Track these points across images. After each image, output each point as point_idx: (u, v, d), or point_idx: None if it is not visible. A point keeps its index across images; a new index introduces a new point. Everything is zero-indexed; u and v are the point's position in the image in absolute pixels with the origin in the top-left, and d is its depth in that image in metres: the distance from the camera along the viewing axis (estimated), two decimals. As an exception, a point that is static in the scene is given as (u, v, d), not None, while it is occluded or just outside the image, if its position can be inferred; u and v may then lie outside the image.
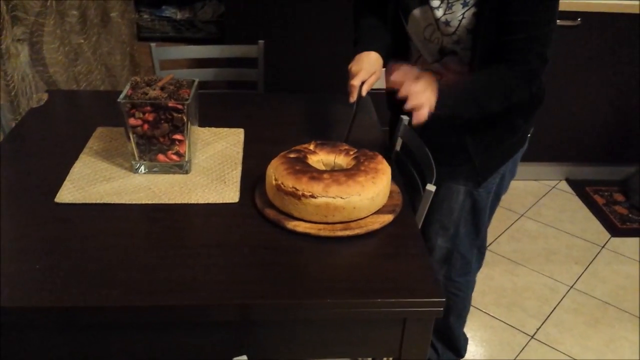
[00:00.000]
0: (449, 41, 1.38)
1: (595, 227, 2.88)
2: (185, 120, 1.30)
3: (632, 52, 2.89)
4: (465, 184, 1.55)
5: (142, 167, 1.36)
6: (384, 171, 1.24)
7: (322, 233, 1.17)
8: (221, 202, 1.28)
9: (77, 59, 2.05)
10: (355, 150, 1.32)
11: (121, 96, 1.29)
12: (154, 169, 1.37)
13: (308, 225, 1.18)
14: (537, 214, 2.97)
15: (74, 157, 1.42)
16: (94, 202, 1.25)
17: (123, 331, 1.05)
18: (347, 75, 1.37)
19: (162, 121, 1.30)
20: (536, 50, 1.31)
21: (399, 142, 1.59)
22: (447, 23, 1.35)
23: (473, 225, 1.63)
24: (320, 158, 1.31)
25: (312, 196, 1.16)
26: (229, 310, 1.02)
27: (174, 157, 1.35)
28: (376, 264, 1.12)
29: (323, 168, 1.31)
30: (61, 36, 1.86)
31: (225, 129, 1.60)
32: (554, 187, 3.23)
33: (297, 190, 1.16)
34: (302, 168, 1.20)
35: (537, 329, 2.23)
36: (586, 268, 2.58)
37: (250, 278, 1.07)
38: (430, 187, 1.30)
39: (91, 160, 1.40)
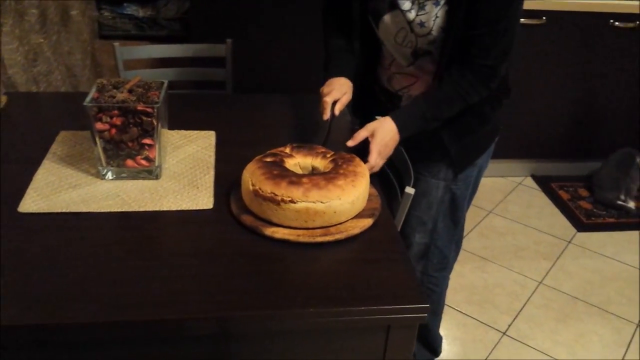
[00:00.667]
0: (424, 42, 1.38)
1: (561, 223, 2.93)
2: (156, 124, 1.25)
3: (595, 50, 2.94)
4: (444, 178, 1.55)
5: (110, 173, 1.31)
6: (362, 174, 1.22)
7: (302, 239, 1.14)
8: (195, 208, 1.23)
9: (37, 59, 1.97)
10: (332, 153, 1.29)
11: (87, 99, 1.23)
12: (122, 175, 1.31)
13: (287, 231, 1.15)
14: (504, 211, 3.00)
15: (37, 164, 1.35)
16: (60, 211, 1.19)
17: (98, 349, 1.00)
18: (318, 98, 1.41)
19: (131, 125, 1.25)
20: (499, 46, 1.33)
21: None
22: (422, 24, 1.35)
23: (451, 220, 1.63)
24: (297, 161, 1.28)
25: (292, 201, 1.12)
26: (208, 323, 0.98)
27: (144, 162, 1.30)
28: (358, 270, 1.10)
29: (300, 172, 1.28)
30: (20, 36, 1.78)
31: (196, 132, 1.55)
32: (520, 183, 3.27)
33: (276, 195, 1.13)
34: (280, 172, 1.17)
35: (509, 325, 2.25)
36: (554, 263, 2.62)
37: (229, 288, 1.03)
38: (409, 190, 1.28)
39: (55, 167, 1.34)
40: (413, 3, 1.34)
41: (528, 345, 2.15)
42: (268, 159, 1.23)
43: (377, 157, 1.32)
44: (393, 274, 1.09)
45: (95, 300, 0.98)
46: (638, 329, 2.26)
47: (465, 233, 2.77)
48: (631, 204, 3.03)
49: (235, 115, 1.71)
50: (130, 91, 1.28)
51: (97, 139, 1.25)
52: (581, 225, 2.90)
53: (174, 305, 0.98)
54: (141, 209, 1.22)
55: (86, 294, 0.99)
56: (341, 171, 1.20)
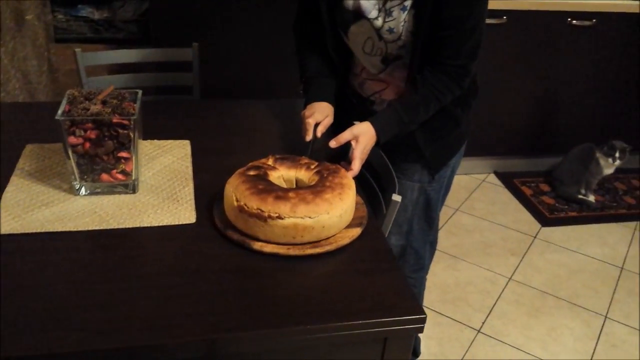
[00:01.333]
0: (394, 47, 1.39)
1: (526, 218, 2.98)
2: (132, 136, 1.20)
3: (554, 48, 3.01)
4: (418, 180, 1.57)
5: (84, 189, 1.25)
6: (349, 186, 1.19)
7: (291, 252, 1.11)
8: (177, 223, 1.19)
9: (-8, 67, 1.87)
10: (316, 164, 1.27)
11: (59, 113, 1.17)
12: (97, 190, 1.26)
13: (276, 245, 1.12)
14: (470, 208, 3.04)
15: (4, 181, 1.28)
16: (34, 231, 1.13)
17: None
18: (300, 121, 1.40)
19: (106, 138, 1.19)
20: (468, 45, 1.35)
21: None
22: (390, 30, 1.36)
23: (426, 221, 1.64)
24: (280, 174, 1.25)
25: (279, 217, 1.09)
26: (199, 347, 0.94)
27: (120, 176, 1.25)
28: (351, 282, 1.08)
29: (284, 185, 1.25)
30: (-26, 43, 1.68)
31: (170, 141, 1.50)
32: (483, 180, 3.32)
33: (262, 211, 1.10)
34: (265, 187, 1.14)
35: (483, 323, 2.27)
36: (522, 259, 2.66)
37: (219, 308, 0.99)
38: (396, 198, 1.27)
39: (25, 183, 1.27)
40: (379, 11, 1.35)
41: (503, 342, 2.18)
42: (251, 173, 1.20)
43: (360, 164, 1.30)
44: (387, 284, 1.07)
45: (79, 327, 0.93)
46: (606, 320, 2.32)
47: (434, 232, 2.79)
48: (591, 198, 3.11)
49: (208, 122, 1.66)
50: (103, 102, 1.23)
51: (70, 153, 1.19)
52: (545, 220, 2.96)
53: (163, 329, 0.94)
54: (120, 226, 1.16)
55: (69, 321, 0.94)
56: (327, 184, 1.17)
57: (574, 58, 3.06)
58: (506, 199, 3.15)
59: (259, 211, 1.10)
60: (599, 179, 3.09)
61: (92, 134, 1.18)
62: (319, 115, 1.39)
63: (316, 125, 1.37)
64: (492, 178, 3.34)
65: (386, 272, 1.11)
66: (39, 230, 1.13)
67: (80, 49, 1.91)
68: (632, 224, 2.99)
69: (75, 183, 1.24)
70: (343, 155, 1.33)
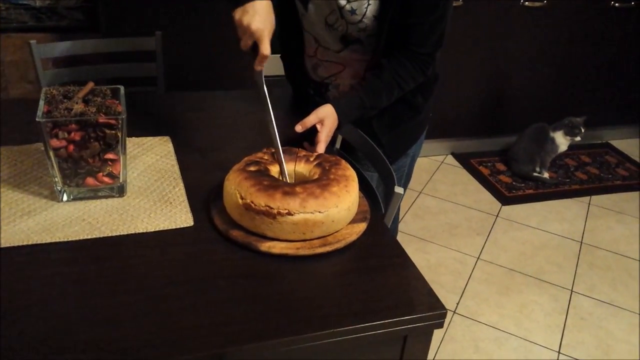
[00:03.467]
0: (354, 29, 1.36)
1: (486, 198, 3.04)
2: (120, 136, 1.12)
3: (508, 29, 3.06)
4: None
5: (68, 194, 1.16)
6: (353, 177, 1.16)
7: (301, 252, 1.07)
8: (174, 227, 1.12)
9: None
10: (315, 155, 1.23)
11: (39, 114, 1.08)
12: (82, 195, 1.17)
13: (284, 245, 1.07)
14: (433, 190, 3.07)
15: (-25, 189, 1.17)
16: (20, 244, 1.03)
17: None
18: (237, 28, 1.18)
19: (92, 140, 1.11)
20: (436, 33, 1.34)
21: (339, 139, 1.52)
22: (352, 11, 1.32)
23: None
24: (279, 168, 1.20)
25: (289, 213, 1.05)
26: None
27: (106, 179, 1.16)
28: (365, 280, 1.04)
29: (285, 179, 1.20)
30: None
31: (149, 138, 1.42)
32: (442, 162, 3.36)
33: (271, 208, 1.05)
34: (271, 183, 1.09)
35: (457, 304, 2.31)
36: (487, 238, 2.72)
37: (231, 317, 0.93)
38: (399, 190, 1.24)
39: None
40: None
41: (478, 321, 2.22)
42: (252, 168, 1.15)
43: (325, 147, 1.28)
44: (402, 280, 1.05)
45: (82, 348, 0.85)
46: (572, 294, 2.40)
47: (400, 216, 2.81)
48: (546, 175, 3.21)
49: (184, 116, 1.58)
50: (85, 101, 1.14)
51: (52, 157, 1.10)
52: (504, 199, 3.03)
53: (175, 343, 0.88)
54: (114, 234, 1.09)
55: (71, 341, 0.86)
56: (332, 176, 1.14)
57: (526, 39, 3.13)
58: (466, 179, 3.20)
59: (268, 208, 1.05)
60: (554, 156, 3.19)
61: (77, 136, 1.09)
62: (261, 24, 1.15)
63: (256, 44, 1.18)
64: (450, 159, 3.39)
65: (400, 268, 1.08)
66: (24, 243, 1.04)
67: (35, 40, 1.77)
68: (586, 198, 3.11)
69: (58, 189, 1.14)
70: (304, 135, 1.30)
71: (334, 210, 1.08)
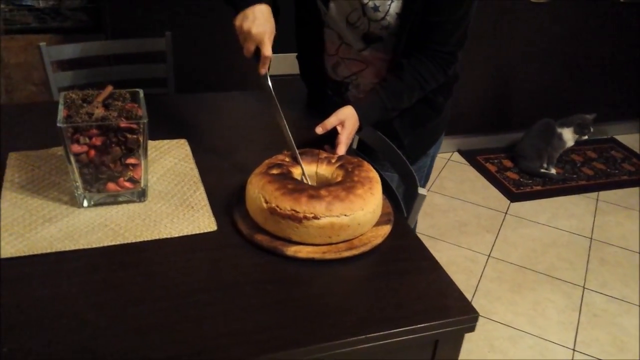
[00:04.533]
0: (376, 27, 1.34)
1: (494, 195, 3.03)
2: (142, 141, 1.10)
3: (512, 26, 3.04)
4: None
5: (88, 200, 1.14)
6: (376, 179, 1.15)
7: (328, 256, 1.05)
8: (197, 232, 1.11)
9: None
10: (336, 157, 1.21)
11: (59, 119, 1.06)
12: (102, 201, 1.15)
13: (310, 249, 1.06)
14: (441, 188, 3.06)
15: (-6, 196, 1.15)
16: (44, 251, 1.02)
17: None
18: (237, 34, 1.19)
19: (113, 145, 1.09)
20: (459, 32, 1.33)
21: (356, 139, 1.51)
22: (375, 8, 1.30)
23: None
24: (301, 170, 1.19)
25: (315, 217, 1.03)
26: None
27: (128, 184, 1.15)
28: (395, 285, 1.03)
29: (307, 182, 1.19)
30: None
31: (166, 141, 1.41)
32: (449, 159, 3.35)
33: (296, 212, 1.03)
34: (295, 186, 1.07)
35: (470, 302, 2.29)
36: (497, 236, 2.71)
37: (264, 324, 0.92)
38: (422, 191, 1.23)
39: (19, 197, 1.15)
40: None
41: (492, 320, 2.21)
42: (275, 172, 1.13)
43: (345, 149, 1.27)
44: (432, 284, 1.04)
45: (115, 358, 0.84)
46: (585, 291, 2.39)
47: (410, 214, 2.79)
48: (553, 171, 3.20)
49: (197, 117, 1.57)
50: (105, 105, 1.12)
51: (73, 162, 1.08)
52: (512, 196, 3.02)
53: (206, 352, 0.86)
54: (138, 240, 1.07)
55: (103, 352, 0.85)
56: (356, 179, 1.12)
57: (531, 35, 3.11)
58: (473, 176, 3.19)
59: (293, 212, 1.03)
60: (561, 152, 3.18)
61: (98, 141, 1.08)
62: (261, 28, 1.16)
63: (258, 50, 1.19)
64: (457, 156, 3.37)
65: (428, 271, 1.07)
66: (47, 251, 1.02)
67: (45, 43, 1.75)
68: (594, 194, 3.10)
69: (79, 194, 1.13)
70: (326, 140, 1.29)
71: (359, 213, 1.06)
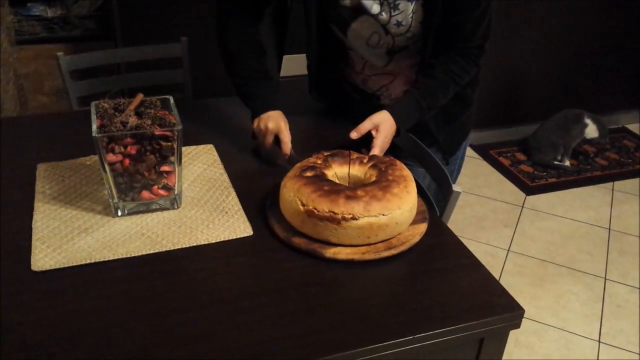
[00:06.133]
0: (402, 40, 1.34)
1: (510, 188, 3.02)
2: (176, 148, 1.10)
3: (522, 19, 3.03)
4: None
5: (122, 209, 1.14)
6: (410, 178, 1.14)
7: (367, 257, 1.05)
8: (234, 237, 1.10)
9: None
10: (368, 157, 1.21)
11: (94, 129, 1.05)
12: (135, 209, 1.15)
13: (349, 250, 1.06)
14: (456, 183, 3.04)
15: (27, 208, 1.15)
16: (82, 262, 1.01)
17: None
18: (256, 134, 1.37)
19: (148, 153, 1.09)
20: (482, 26, 1.32)
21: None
22: (399, 24, 1.31)
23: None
24: (334, 172, 1.18)
25: (354, 218, 1.03)
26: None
27: (162, 192, 1.14)
28: (437, 283, 1.03)
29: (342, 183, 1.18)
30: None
31: (193, 147, 1.40)
32: (461, 154, 3.33)
33: (335, 214, 1.03)
34: (332, 188, 1.07)
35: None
36: (515, 229, 2.70)
37: (312, 327, 0.92)
38: (457, 188, 1.22)
39: (52, 209, 1.15)
40: (382, 5, 1.29)
41: (516, 315, 2.20)
42: (309, 174, 1.12)
43: (380, 153, 1.26)
44: (474, 281, 1.03)
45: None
46: (606, 282, 2.39)
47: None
48: (567, 163, 3.19)
49: (219, 123, 1.56)
50: (138, 113, 1.12)
51: (108, 171, 1.08)
52: (528, 189, 3.01)
53: (264, 358, 0.86)
54: (175, 247, 1.07)
55: (156, 361, 0.85)
56: (390, 178, 1.12)
57: (542, 26, 3.10)
58: (487, 170, 3.18)
59: (332, 214, 1.03)
60: (578, 141, 3.16)
61: (132, 150, 1.07)
62: (283, 125, 1.32)
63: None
64: (469, 151, 3.36)
65: (469, 268, 1.07)
66: (87, 262, 1.02)
67: (62, 52, 1.75)
68: (609, 184, 3.09)
69: (113, 203, 1.12)
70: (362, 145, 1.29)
71: (397, 212, 1.06)
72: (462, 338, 0.96)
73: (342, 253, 1.05)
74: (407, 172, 1.15)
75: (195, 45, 2.40)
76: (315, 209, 1.04)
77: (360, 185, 1.10)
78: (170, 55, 1.92)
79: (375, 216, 1.04)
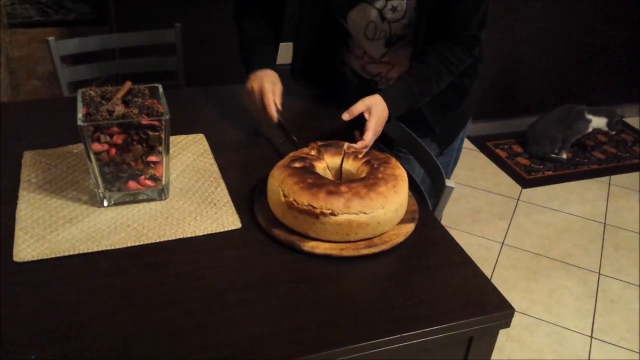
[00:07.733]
0: (398, 27, 1.34)
1: (506, 181, 3.00)
2: (164, 138, 1.07)
3: (520, 11, 3.00)
4: None
5: (108, 199, 1.12)
6: (402, 177, 1.12)
7: (346, 253, 1.03)
8: (222, 230, 1.08)
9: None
10: (364, 152, 1.18)
11: (79, 117, 1.03)
12: (122, 200, 1.13)
13: (328, 245, 1.03)
14: (452, 175, 3.02)
15: (11, 197, 1.13)
16: (66, 254, 0.99)
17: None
18: (248, 95, 1.38)
19: (135, 142, 1.06)
20: (478, 14, 1.31)
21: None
22: (394, 9, 1.30)
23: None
24: (325, 164, 1.16)
25: (332, 214, 1.01)
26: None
27: (149, 182, 1.12)
28: (426, 281, 1.01)
29: (330, 175, 1.16)
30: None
31: (183, 136, 1.38)
32: (458, 145, 3.31)
33: (314, 208, 1.01)
34: (315, 181, 1.04)
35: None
36: (510, 222, 2.69)
37: (300, 323, 0.90)
38: (450, 183, 1.20)
39: (37, 198, 1.12)
40: None
41: (509, 309, 2.19)
42: (297, 165, 1.10)
43: (373, 136, 1.24)
44: (465, 279, 1.02)
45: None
46: (600, 277, 2.38)
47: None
48: (564, 156, 3.17)
49: (212, 111, 1.54)
50: (125, 102, 1.09)
51: (94, 161, 1.05)
52: (524, 182, 3.00)
53: (243, 354, 0.84)
54: (162, 239, 1.05)
55: (144, 357, 0.83)
56: (380, 175, 1.09)
57: (540, 18, 3.07)
58: (484, 163, 3.16)
59: (310, 207, 1.01)
60: (579, 136, 3.14)
61: (119, 139, 1.05)
62: (270, 85, 1.34)
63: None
64: (467, 143, 3.33)
65: (459, 265, 1.05)
66: (71, 253, 1.00)
67: (53, 38, 1.72)
68: (605, 178, 3.08)
69: (99, 193, 1.10)
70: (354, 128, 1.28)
71: (379, 211, 1.03)
72: (450, 337, 0.94)
73: (320, 247, 1.03)
74: (400, 172, 1.12)
75: (190, 31, 2.36)
76: (295, 201, 1.02)
77: (346, 181, 1.07)
78: (163, 41, 1.89)
79: (356, 214, 1.01)
